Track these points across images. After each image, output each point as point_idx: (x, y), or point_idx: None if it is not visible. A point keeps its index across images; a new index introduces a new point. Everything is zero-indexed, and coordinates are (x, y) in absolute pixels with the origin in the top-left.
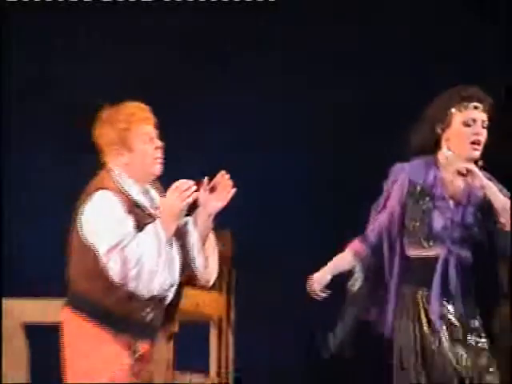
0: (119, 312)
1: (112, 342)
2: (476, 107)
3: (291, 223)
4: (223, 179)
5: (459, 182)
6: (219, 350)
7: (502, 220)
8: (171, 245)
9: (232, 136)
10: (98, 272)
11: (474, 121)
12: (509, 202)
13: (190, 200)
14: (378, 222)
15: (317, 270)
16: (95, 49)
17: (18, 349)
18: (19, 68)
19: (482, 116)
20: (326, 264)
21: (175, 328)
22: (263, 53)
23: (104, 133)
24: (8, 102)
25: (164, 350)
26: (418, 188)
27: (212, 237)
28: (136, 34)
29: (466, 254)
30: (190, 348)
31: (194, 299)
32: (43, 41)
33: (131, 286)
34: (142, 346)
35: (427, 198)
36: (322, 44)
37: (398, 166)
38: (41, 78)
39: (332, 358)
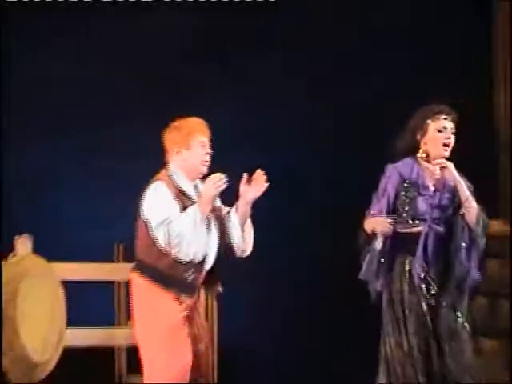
0: (168, 273)
1: (164, 295)
2: (446, 118)
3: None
4: (259, 175)
5: (437, 175)
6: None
7: (463, 210)
8: (207, 223)
9: (233, 136)
10: (153, 243)
11: (445, 128)
12: (470, 196)
13: (221, 189)
14: (380, 205)
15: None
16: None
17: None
18: (19, 68)
19: (450, 125)
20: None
21: (219, 288)
22: (263, 53)
23: (172, 136)
24: (8, 101)
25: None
26: (407, 181)
27: (249, 220)
28: (136, 34)
29: (441, 229)
30: None
31: None
32: (43, 41)
33: (173, 252)
34: (187, 301)
35: (413, 188)
36: (322, 44)
37: (390, 166)
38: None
39: None
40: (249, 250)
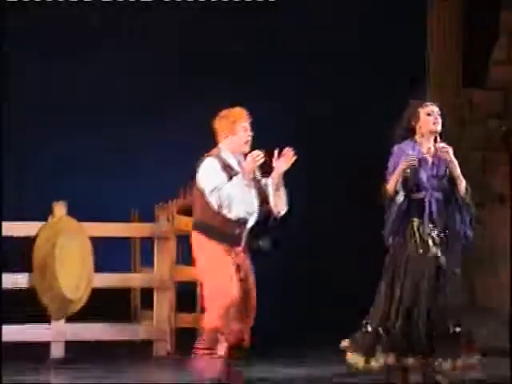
0: (220, 229)
1: (219, 247)
2: (432, 104)
3: None
4: (288, 151)
5: (433, 152)
6: None
7: (456, 183)
8: (250, 188)
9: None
10: (207, 206)
11: (433, 111)
12: (460, 174)
13: (259, 163)
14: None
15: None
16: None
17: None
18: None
19: (436, 109)
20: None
21: (261, 243)
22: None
23: (220, 124)
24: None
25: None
26: (410, 156)
27: (282, 188)
28: (135, 33)
29: (440, 195)
30: (186, 252)
31: (184, 221)
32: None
33: (224, 212)
34: (236, 251)
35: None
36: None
37: (395, 147)
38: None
39: None
40: (283, 211)
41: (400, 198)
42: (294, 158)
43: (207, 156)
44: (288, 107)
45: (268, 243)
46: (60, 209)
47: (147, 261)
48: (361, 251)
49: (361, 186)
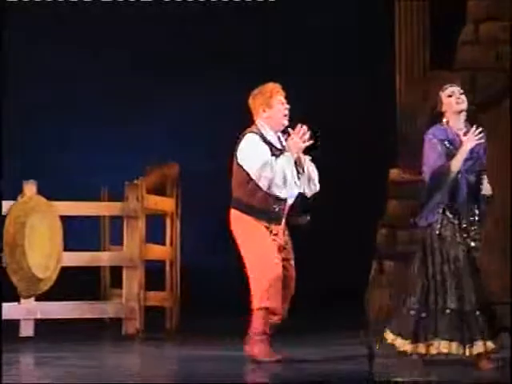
0: (259, 207)
1: (257, 224)
2: (452, 85)
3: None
4: (300, 128)
5: (463, 135)
6: (172, 233)
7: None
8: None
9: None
10: (247, 183)
11: (453, 92)
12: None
13: (306, 140)
14: (432, 165)
15: None
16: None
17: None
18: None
19: (456, 89)
20: None
21: (305, 218)
22: None
23: (256, 100)
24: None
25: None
26: (446, 142)
27: (311, 165)
28: (132, 29)
29: (472, 178)
30: (155, 231)
31: (153, 200)
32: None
33: (274, 190)
34: (275, 228)
35: (452, 147)
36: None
37: (429, 135)
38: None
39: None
40: (316, 188)
41: (452, 178)
42: (307, 134)
43: (248, 132)
44: None
45: (306, 220)
46: (30, 188)
47: (116, 239)
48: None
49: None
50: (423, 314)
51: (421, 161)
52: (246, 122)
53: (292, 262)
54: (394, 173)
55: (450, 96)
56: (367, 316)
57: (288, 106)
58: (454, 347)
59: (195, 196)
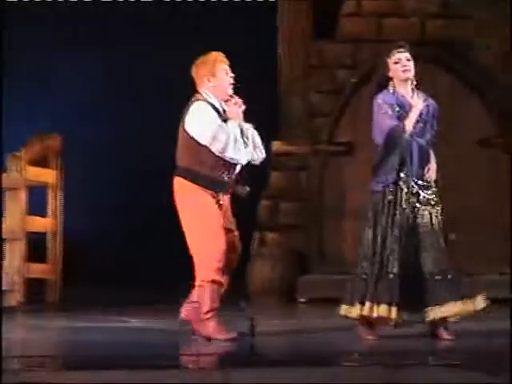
0: (208, 175)
1: (205, 193)
2: (399, 51)
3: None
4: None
5: (411, 99)
6: (54, 204)
7: None
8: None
9: None
10: (196, 151)
11: (400, 59)
12: None
13: (243, 107)
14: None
15: None
16: None
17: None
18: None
19: (404, 55)
20: None
21: (246, 188)
22: None
23: (200, 69)
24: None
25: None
26: (395, 106)
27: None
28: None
29: (422, 141)
30: (38, 203)
31: (34, 172)
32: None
33: (228, 154)
34: (222, 198)
35: (402, 110)
36: None
37: (379, 100)
38: None
39: None
40: (262, 156)
41: (405, 139)
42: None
43: (196, 100)
44: None
45: (246, 190)
46: None
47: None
48: None
49: None
50: (371, 278)
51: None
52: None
53: (236, 233)
54: (277, 144)
55: (396, 63)
56: (248, 287)
57: (232, 75)
58: (394, 312)
59: (79, 168)
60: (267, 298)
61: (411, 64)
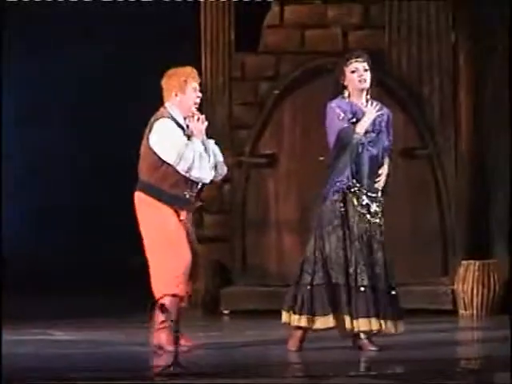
0: (170, 192)
1: (166, 209)
2: (356, 61)
3: None
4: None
5: (364, 107)
6: None
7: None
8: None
9: None
10: (158, 168)
11: (357, 68)
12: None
13: (205, 124)
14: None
15: None
16: None
17: None
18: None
19: (361, 65)
20: None
21: (199, 203)
22: None
23: (170, 81)
24: None
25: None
26: (348, 113)
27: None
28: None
29: (374, 151)
30: None
31: None
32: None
33: (193, 174)
34: (182, 214)
35: (354, 118)
36: None
37: (332, 105)
38: None
39: None
40: (224, 173)
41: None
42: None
43: (160, 117)
44: None
45: (197, 205)
46: None
47: None
48: None
49: None
50: (326, 290)
51: None
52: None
53: (195, 246)
54: None
55: (353, 72)
56: None
57: (200, 95)
58: (331, 321)
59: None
60: (191, 310)
61: (368, 74)
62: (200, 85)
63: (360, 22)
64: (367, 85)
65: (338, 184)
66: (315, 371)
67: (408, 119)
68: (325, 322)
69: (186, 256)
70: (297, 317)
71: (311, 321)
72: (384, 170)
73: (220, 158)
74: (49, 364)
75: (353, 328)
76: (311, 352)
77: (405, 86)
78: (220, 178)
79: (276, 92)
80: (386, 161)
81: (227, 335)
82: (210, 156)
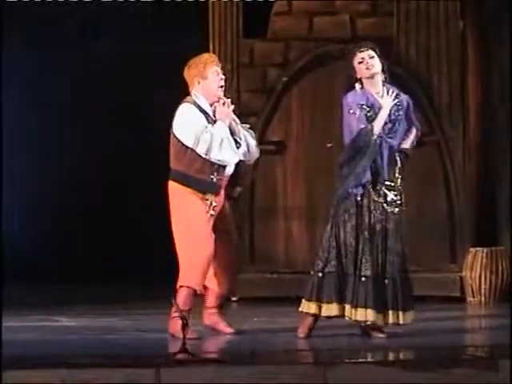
0: (195, 177)
1: (194, 197)
2: (362, 51)
3: None
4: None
5: (380, 98)
6: None
7: None
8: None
9: None
10: (183, 153)
11: (363, 58)
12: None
13: (232, 107)
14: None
15: None
16: None
17: None
18: None
19: (367, 54)
20: None
21: (238, 189)
22: None
23: (191, 71)
24: None
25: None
26: (365, 106)
27: (248, 134)
28: None
29: (394, 142)
30: None
31: None
32: None
33: (212, 156)
34: (214, 200)
35: (372, 110)
36: None
37: (348, 99)
38: None
39: None
40: (255, 156)
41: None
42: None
43: (183, 102)
44: None
45: (237, 192)
46: None
47: None
48: None
49: None
50: (337, 278)
51: None
52: None
53: (233, 235)
54: None
55: (360, 62)
56: None
57: (223, 77)
58: (370, 314)
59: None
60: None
61: (375, 61)
62: (222, 68)
63: (368, 9)
64: (376, 70)
65: (358, 181)
66: (322, 358)
67: (416, 106)
68: (328, 309)
69: (205, 250)
70: (306, 303)
71: (319, 308)
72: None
73: (252, 141)
74: (53, 349)
75: (350, 317)
76: (319, 339)
77: (413, 74)
78: (251, 161)
79: (284, 79)
80: (413, 132)
81: (235, 322)
82: (238, 139)
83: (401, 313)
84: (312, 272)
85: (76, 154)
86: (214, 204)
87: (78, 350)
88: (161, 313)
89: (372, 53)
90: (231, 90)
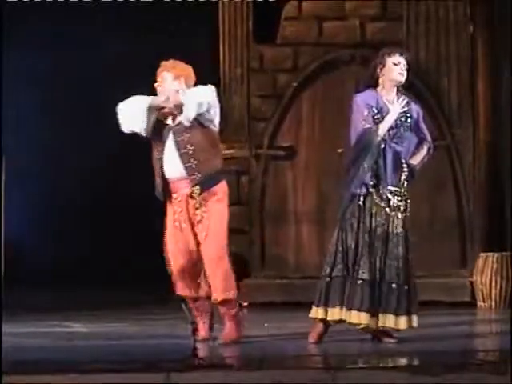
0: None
1: (169, 205)
2: (400, 55)
3: None
4: None
5: (390, 104)
6: None
7: None
8: None
9: None
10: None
11: (400, 62)
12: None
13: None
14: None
15: None
16: None
17: None
18: None
19: (403, 61)
20: None
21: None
22: None
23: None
24: None
25: None
26: (374, 108)
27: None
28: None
29: (399, 147)
30: None
31: None
32: None
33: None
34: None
35: (380, 114)
36: None
37: (358, 98)
38: None
39: None
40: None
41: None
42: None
43: None
44: None
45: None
46: None
47: None
48: None
49: None
50: (336, 281)
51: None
52: None
53: (207, 239)
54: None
55: (395, 64)
56: None
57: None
58: (363, 317)
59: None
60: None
61: (406, 71)
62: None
63: (378, 13)
64: (403, 79)
65: (359, 182)
66: (332, 363)
67: (426, 110)
68: (333, 313)
69: (175, 257)
70: (315, 309)
71: (326, 313)
72: (420, 155)
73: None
74: (64, 355)
75: (345, 319)
76: (329, 344)
77: (423, 77)
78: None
79: (294, 84)
80: (425, 148)
81: (245, 327)
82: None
83: (404, 317)
84: (321, 277)
85: (77, 154)
86: (178, 199)
87: (88, 356)
88: (170, 318)
89: (406, 63)
90: (241, 94)
